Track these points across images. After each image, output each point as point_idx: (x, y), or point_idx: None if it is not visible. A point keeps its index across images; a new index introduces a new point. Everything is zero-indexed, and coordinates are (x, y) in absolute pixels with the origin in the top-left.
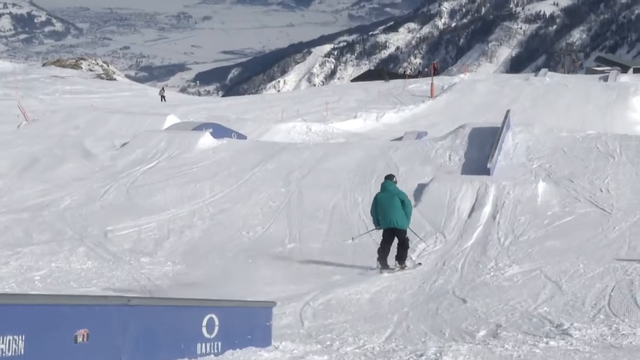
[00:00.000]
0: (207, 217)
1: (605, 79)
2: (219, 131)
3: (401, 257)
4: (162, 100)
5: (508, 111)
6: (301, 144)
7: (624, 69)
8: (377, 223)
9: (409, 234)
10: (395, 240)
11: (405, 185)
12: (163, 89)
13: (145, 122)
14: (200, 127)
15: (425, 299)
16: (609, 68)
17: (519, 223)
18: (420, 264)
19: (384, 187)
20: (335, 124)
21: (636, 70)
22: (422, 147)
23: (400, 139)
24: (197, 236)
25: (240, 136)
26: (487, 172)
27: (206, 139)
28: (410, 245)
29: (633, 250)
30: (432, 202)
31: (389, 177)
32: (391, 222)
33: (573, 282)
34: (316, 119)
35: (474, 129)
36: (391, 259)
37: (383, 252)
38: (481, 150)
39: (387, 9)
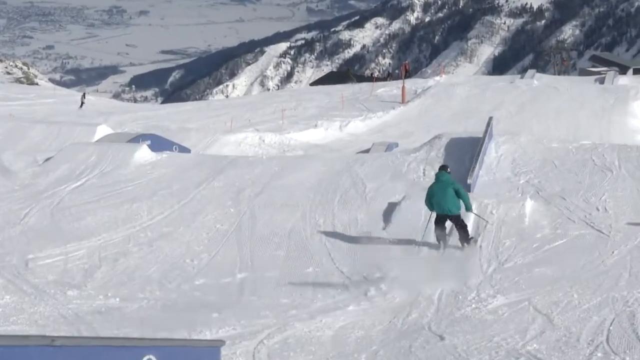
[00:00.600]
0: (145, 243)
1: (602, 80)
2: (158, 143)
3: (464, 237)
4: (80, 106)
5: (490, 118)
6: (253, 157)
7: (623, 70)
8: (432, 209)
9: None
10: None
11: (373, 205)
12: (84, 94)
13: (72, 134)
14: (137, 139)
15: (397, 336)
16: (605, 68)
17: (503, 247)
18: (473, 238)
19: (438, 178)
20: (293, 134)
21: (636, 71)
22: (393, 161)
23: (367, 151)
24: (133, 265)
25: (183, 149)
26: (467, 188)
27: (143, 153)
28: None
29: (635, 278)
30: (404, 223)
31: (443, 168)
32: (444, 209)
33: (566, 315)
34: (271, 129)
35: (452, 140)
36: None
37: (440, 231)
38: (460, 163)
39: (352, 2)
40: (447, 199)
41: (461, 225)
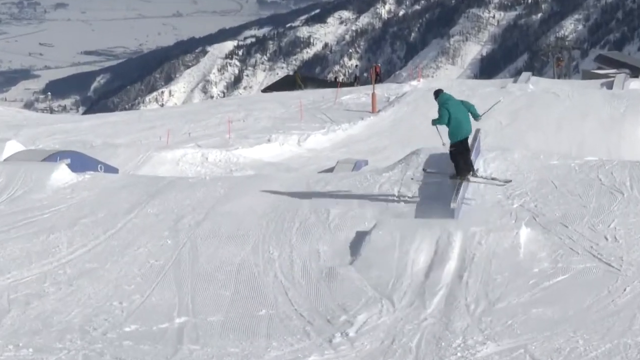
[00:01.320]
0: (64, 281)
1: (610, 85)
2: (80, 162)
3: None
4: None
5: (477, 131)
6: (195, 178)
7: (635, 72)
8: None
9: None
10: None
11: (339, 235)
12: None
13: None
14: (54, 157)
15: None
16: (614, 71)
17: (494, 284)
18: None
19: (447, 99)
20: (242, 151)
21: None
22: (361, 182)
23: (331, 170)
24: (50, 309)
25: (110, 169)
26: (450, 214)
27: (62, 174)
28: None
29: None
30: (375, 257)
31: (440, 91)
32: (467, 131)
33: None
34: (215, 144)
35: (432, 156)
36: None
37: (467, 165)
38: (441, 184)
39: None
40: (467, 118)
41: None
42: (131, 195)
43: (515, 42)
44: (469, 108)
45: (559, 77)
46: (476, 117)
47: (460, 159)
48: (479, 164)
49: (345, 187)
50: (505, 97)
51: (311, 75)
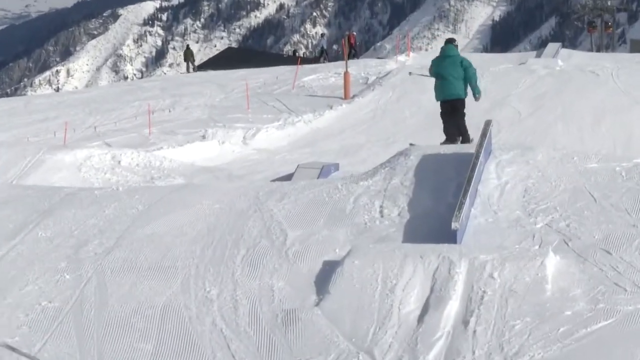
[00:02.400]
0: None
1: None
2: None
3: (463, 132)
4: None
5: (488, 123)
6: (102, 189)
7: None
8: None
9: None
10: None
11: (299, 265)
12: None
13: None
14: None
15: None
16: None
17: (512, 332)
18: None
19: (445, 52)
20: (167, 151)
21: None
22: (330, 193)
23: (289, 177)
24: None
25: None
26: (452, 237)
27: None
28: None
29: None
30: (349, 295)
31: (451, 41)
32: (453, 93)
33: None
34: (130, 143)
35: (426, 158)
36: None
37: (453, 128)
38: (440, 196)
39: None
40: (459, 79)
41: (462, 115)
42: (15, 214)
43: (539, 2)
44: (468, 75)
45: (598, 50)
46: (474, 92)
47: (445, 119)
48: (489, 167)
49: (309, 201)
50: (525, 77)
51: (260, 49)
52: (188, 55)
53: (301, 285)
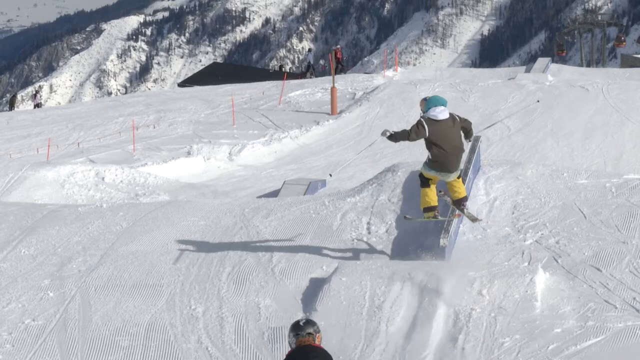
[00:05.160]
0: None
1: None
2: None
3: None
4: None
5: (477, 139)
6: (86, 206)
7: None
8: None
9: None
10: None
11: (286, 283)
12: None
13: None
14: None
15: None
16: None
17: (501, 350)
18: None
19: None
20: (151, 168)
21: None
22: (317, 210)
23: (275, 194)
24: None
25: None
26: (439, 254)
27: None
28: None
29: None
30: (336, 313)
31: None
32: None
33: None
34: (114, 159)
35: (414, 174)
36: None
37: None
38: None
39: None
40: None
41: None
42: None
43: (529, 16)
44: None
45: (589, 65)
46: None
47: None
48: (478, 184)
49: (295, 218)
50: (514, 92)
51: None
52: (13, 101)
53: (288, 302)
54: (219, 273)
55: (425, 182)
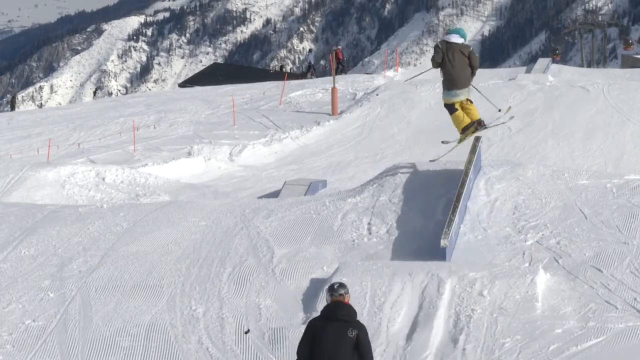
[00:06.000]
0: None
1: None
2: None
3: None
4: None
5: (477, 140)
6: (87, 207)
7: None
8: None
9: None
10: None
11: (287, 283)
12: None
13: None
14: None
15: None
16: None
17: (502, 350)
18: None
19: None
20: (152, 168)
21: None
22: (318, 210)
23: (276, 194)
24: None
25: None
26: (441, 255)
27: None
28: None
29: None
30: None
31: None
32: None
33: None
34: (115, 159)
35: (415, 175)
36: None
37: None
38: (429, 213)
39: None
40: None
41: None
42: None
43: (529, 16)
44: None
45: (589, 65)
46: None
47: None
48: (479, 184)
49: (296, 218)
50: (514, 93)
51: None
52: (14, 102)
53: (288, 303)
54: (220, 274)
55: (452, 108)
